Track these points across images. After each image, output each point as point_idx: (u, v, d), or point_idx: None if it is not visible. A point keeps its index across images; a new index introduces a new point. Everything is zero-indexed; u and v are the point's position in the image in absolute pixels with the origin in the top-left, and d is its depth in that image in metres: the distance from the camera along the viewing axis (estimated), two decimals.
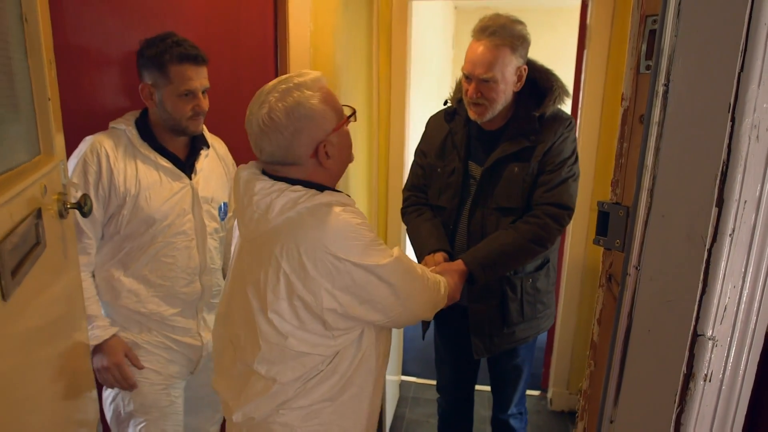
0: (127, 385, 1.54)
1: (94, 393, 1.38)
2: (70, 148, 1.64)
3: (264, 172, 1.16)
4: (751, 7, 0.66)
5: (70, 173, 1.41)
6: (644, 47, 0.86)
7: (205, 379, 1.69)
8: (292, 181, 1.11)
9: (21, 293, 0.88)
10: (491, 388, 1.99)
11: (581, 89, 2.64)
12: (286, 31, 1.95)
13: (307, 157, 1.11)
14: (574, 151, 1.64)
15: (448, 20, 5.74)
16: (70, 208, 1.17)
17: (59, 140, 1.23)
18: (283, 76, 1.14)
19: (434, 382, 3.10)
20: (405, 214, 1.85)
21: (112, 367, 1.50)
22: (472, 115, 1.62)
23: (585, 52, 2.60)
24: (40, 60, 1.11)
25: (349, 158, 1.23)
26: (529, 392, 3.10)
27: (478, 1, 5.25)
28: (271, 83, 1.14)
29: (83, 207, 1.17)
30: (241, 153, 2.00)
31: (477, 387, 2.09)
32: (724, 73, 0.69)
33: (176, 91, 1.50)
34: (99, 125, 1.63)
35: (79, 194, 1.28)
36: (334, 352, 1.15)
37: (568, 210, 1.61)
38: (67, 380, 1.17)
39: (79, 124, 1.71)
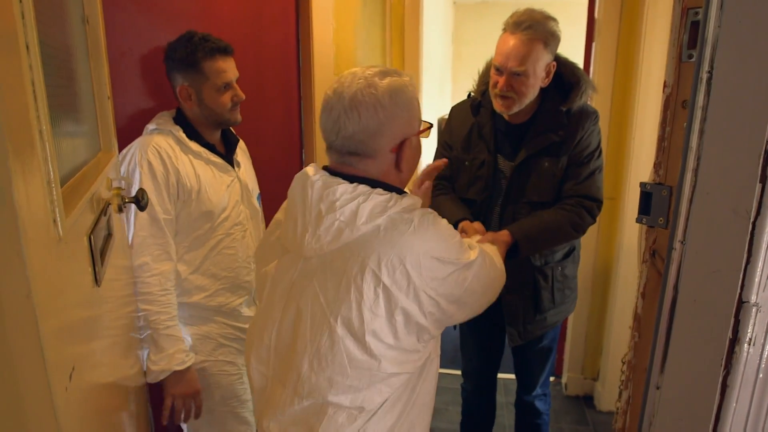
0: (198, 414, 1.54)
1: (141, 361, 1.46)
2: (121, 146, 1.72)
3: (332, 173, 1.03)
4: None
5: (135, 180, 1.44)
6: (686, 38, 0.92)
7: None
8: (371, 182, 1.01)
9: (106, 280, 0.94)
10: (515, 372, 2.05)
11: None
12: (309, 29, 2.01)
13: (388, 150, 1.02)
14: (599, 144, 1.68)
15: (448, 15, 5.81)
16: (128, 202, 1.23)
17: (115, 138, 1.30)
18: (373, 64, 1.06)
19: (452, 372, 3.19)
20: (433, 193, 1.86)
21: (193, 394, 1.51)
22: (498, 107, 1.64)
23: (593, 45, 2.66)
24: (101, 60, 1.17)
25: (415, 169, 1.13)
26: None
27: None
28: (361, 67, 1.05)
29: (141, 201, 1.23)
30: (265, 150, 2.05)
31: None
32: (766, 60, 0.75)
33: (215, 86, 1.53)
34: (132, 126, 1.68)
35: (136, 190, 1.33)
36: (420, 367, 1.08)
37: (597, 202, 1.67)
38: (132, 356, 1.25)
39: (129, 123, 1.77)
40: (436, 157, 1.91)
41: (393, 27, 2.72)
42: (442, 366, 3.28)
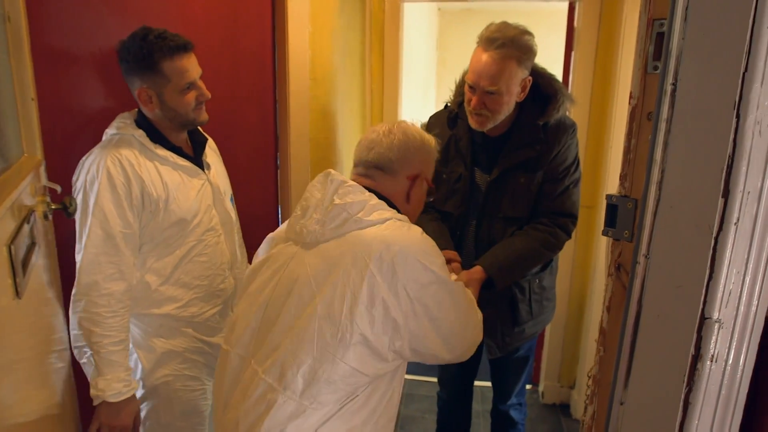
0: None
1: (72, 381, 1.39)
2: (60, 149, 1.64)
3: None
4: (755, 12, 0.71)
5: (94, 191, 1.33)
6: (651, 49, 0.91)
7: None
8: (382, 198, 1.18)
9: (27, 291, 0.90)
10: (492, 381, 2.04)
11: (569, 90, 2.70)
12: (285, 32, 1.98)
13: (405, 176, 1.24)
14: (576, 156, 1.67)
15: (432, 22, 5.81)
16: (55, 209, 1.18)
17: (40, 141, 1.24)
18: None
19: (428, 379, 3.17)
20: None
21: (121, 428, 1.40)
22: (473, 123, 1.62)
23: (573, 54, 2.67)
24: (23, 60, 1.12)
25: (417, 212, 1.33)
26: None
27: (462, 2, 5.32)
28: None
29: (68, 208, 1.17)
30: (239, 153, 2.02)
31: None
32: (730, 72, 0.74)
33: (177, 87, 1.43)
34: (96, 125, 1.63)
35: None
36: (375, 377, 1.11)
37: (572, 217, 1.66)
38: (53, 371, 1.20)
39: (72, 126, 1.72)
40: None
41: (373, 33, 2.70)
42: (419, 373, 3.28)
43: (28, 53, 1.15)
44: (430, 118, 1.89)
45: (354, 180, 1.21)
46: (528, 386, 3.14)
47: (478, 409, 2.90)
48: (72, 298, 1.34)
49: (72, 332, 1.35)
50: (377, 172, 1.22)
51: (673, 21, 0.78)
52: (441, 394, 2.14)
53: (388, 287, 1.06)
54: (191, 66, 1.45)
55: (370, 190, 1.17)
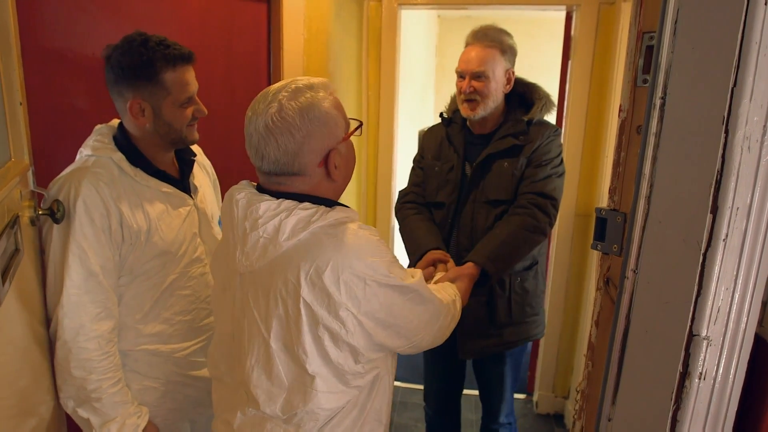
0: None
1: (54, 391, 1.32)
2: (50, 154, 1.63)
3: (262, 190, 1.05)
4: (744, 27, 0.71)
5: (68, 228, 1.20)
6: (641, 62, 0.90)
7: None
8: (299, 197, 1.01)
9: (8, 299, 0.88)
10: (480, 397, 2.02)
11: (566, 99, 2.70)
12: (280, 38, 1.98)
13: (315, 165, 1.02)
14: (560, 154, 1.74)
15: (432, 29, 5.81)
16: (42, 214, 1.14)
17: (29, 146, 1.21)
18: (289, 79, 1.05)
19: (421, 387, 3.14)
20: (401, 209, 1.89)
21: None
22: (464, 111, 1.73)
23: (570, 62, 2.66)
24: (11, 62, 1.10)
25: (351, 173, 1.13)
26: (515, 396, 3.14)
27: (462, 10, 5.33)
28: (277, 84, 1.04)
29: (56, 213, 1.13)
30: (234, 161, 2.01)
31: (465, 391, 2.12)
32: (719, 87, 0.73)
33: (177, 101, 1.28)
34: (87, 130, 1.62)
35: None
36: (369, 385, 1.07)
37: (552, 200, 1.66)
38: (37, 383, 1.18)
39: (65, 131, 1.71)
40: (410, 177, 1.95)
41: (370, 39, 2.70)
42: (412, 381, 3.26)
43: (17, 56, 1.14)
44: (423, 134, 1.97)
45: (262, 186, 1.06)
46: (522, 396, 3.12)
47: (472, 418, 2.88)
48: (56, 345, 1.22)
49: (61, 384, 1.23)
50: (282, 178, 1.02)
51: (662, 34, 0.78)
52: (426, 409, 2.13)
53: (327, 314, 0.97)
54: (191, 79, 1.32)
55: (283, 194, 1.02)
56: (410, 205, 1.87)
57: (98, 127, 1.35)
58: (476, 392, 2.05)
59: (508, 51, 1.71)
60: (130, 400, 1.30)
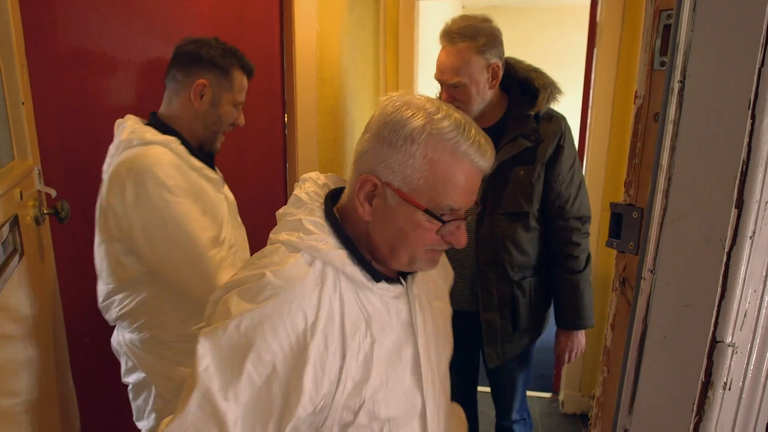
0: None
1: (74, 402, 1.31)
2: (57, 154, 1.63)
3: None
4: None
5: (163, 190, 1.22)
6: (658, 43, 0.83)
7: None
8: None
9: (6, 297, 0.87)
10: (492, 395, 1.98)
11: (591, 88, 2.60)
12: (292, 32, 1.95)
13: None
14: (576, 152, 1.66)
15: None
16: (47, 213, 1.15)
17: (34, 145, 1.21)
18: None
19: None
20: None
21: None
22: None
23: (595, 50, 2.56)
24: (12, 63, 1.10)
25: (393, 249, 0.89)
26: (540, 395, 3.06)
27: (486, 0, 5.22)
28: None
29: (60, 212, 1.14)
30: (246, 155, 1.99)
31: (481, 388, 2.07)
32: (744, 68, 0.66)
33: (233, 100, 1.43)
34: (103, 127, 1.62)
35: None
36: None
37: (588, 217, 1.70)
38: (46, 385, 1.16)
39: (84, 127, 1.71)
40: None
41: (387, 32, 2.64)
42: None
43: (18, 56, 1.13)
44: None
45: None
46: (548, 395, 3.04)
47: (490, 414, 2.81)
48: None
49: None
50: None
51: (680, 11, 0.71)
52: None
53: None
54: (245, 89, 1.48)
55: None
56: None
57: (127, 120, 1.37)
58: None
59: (487, 45, 1.54)
60: None
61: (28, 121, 1.18)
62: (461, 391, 2.00)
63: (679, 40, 0.71)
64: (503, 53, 1.60)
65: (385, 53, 2.66)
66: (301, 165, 2.00)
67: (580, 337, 1.72)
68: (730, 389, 0.75)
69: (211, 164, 1.46)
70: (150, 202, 1.19)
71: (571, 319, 1.68)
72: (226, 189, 1.54)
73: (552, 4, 4.84)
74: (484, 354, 1.72)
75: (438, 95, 1.73)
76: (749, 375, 0.75)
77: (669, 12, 0.80)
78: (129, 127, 1.33)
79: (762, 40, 0.64)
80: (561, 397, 2.97)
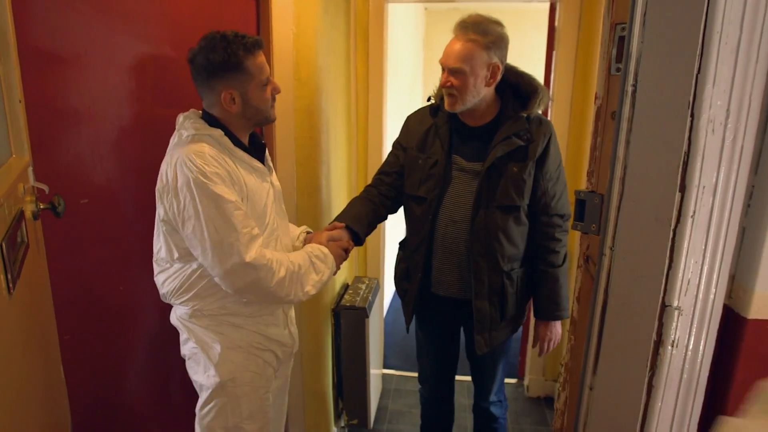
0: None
1: (65, 395, 1.36)
2: (47, 150, 1.65)
3: None
4: (706, 18, 0.76)
5: (189, 199, 1.32)
6: (614, 52, 0.95)
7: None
8: None
9: (19, 289, 0.92)
10: (472, 378, 2.08)
11: (551, 88, 2.76)
12: (270, 33, 2.01)
13: None
14: (560, 152, 1.79)
15: (419, 21, 5.85)
16: (44, 208, 1.19)
17: (28, 142, 1.26)
18: None
19: (414, 374, 3.21)
20: (365, 188, 1.93)
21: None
22: (445, 103, 1.73)
23: (554, 52, 2.72)
24: (9, 63, 1.14)
25: None
26: (506, 380, 3.21)
27: (448, 3, 5.36)
28: None
29: (57, 207, 1.19)
30: None
31: (457, 377, 2.18)
32: (684, 74, 0.79)
33: (259, 83, 1.42)
34: (83, 127, 1.66)
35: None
36: None
37: (570, 215, 1.78)
38: (46, 371, 1.21)
39: (64, 126, 1.74)
40: (388, 158, 1.94)
41: (357, 33, 2.73)
42: (405, 369, 3.33)
43: (15, 55, 1.17)
44: (409, 117, 1.94)
45: None
46: (513, 380, 3.20)
47: (465, 403, 2.94)
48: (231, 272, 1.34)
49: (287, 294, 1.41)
50: None
51: (632, 26, 0.83)
52: (422, 392, 2.18)
53: None
54: (265, 61, 1.46)
55: None
56: (369, 187, 1.90)
57: (187, 114, 1.46)
58: (468, 378, 2.11)
59: (494, 44, 1.64)
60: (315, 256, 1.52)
61: (23, 119, 1.22)
62: (439, 378, 2.11)
63: (631, 50, 0.84)
64: (506, 58, 1.69)
65: (355, 54, 2.74)
66: (279, 162, 2.07)
67: (558, 327, 1.82)
68: (677, 347, 0.88)
69: (259, 154, 1.53)
70: (187, 186, 1.31)
71: (551, 310, 1.77)
72: (274, 178, 1.59)
73: (511, 8, 5.03)
74: (470, 341, 1.83)
75: (440, 89, 1.82)
76: (693, 334, 0.88)
77: (623, 25, 0.93)
78: (184, 120, 1.44)
79: (698, 50, 0.77)
80: (526, 381, 3.12)
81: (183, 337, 1.51)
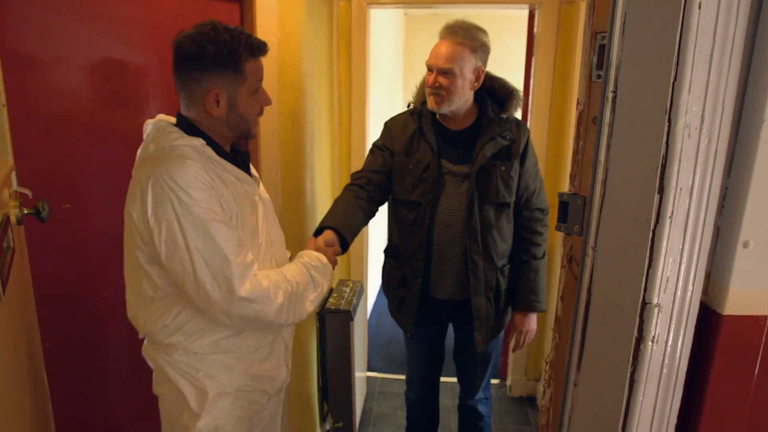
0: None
1: (48, 402, 1.35)
2: (30, 155, 1.64)
3: None
4: (681, 27, 0.80)
5: (193, 199, 1.14)
6: (595, 59, 0.99)
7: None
8: None
9: (9, 293, 0.92)
10: (458, 377, 2.11)
11: (531, 93, 2.81)
12: None
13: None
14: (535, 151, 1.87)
15: (399, 27, 5.90)
16: (28, 213, 1.17)
17: (10, 147, 1.24)
18: None
19: (398, 377, 3.23)
20: (347, 186, 1.86)
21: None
22: (430, 104, 1.76)
23: (533, 58, 2.77)
24: None
25: None
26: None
27: (428, 9, 5.42)
28: None
29: (41, 212, 1.16)
30: None
31: (442, 379, 2.20)
32: (662, 81, 0.82)
33: (251, 88, 1.25)
34: (65, 131, 1.64)
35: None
36: None
37: (549, 209, 1.91)
38: (32, 378, 1.20)
39: (45, 130, 1.72)
40: (367, 161, 1.91)
41: (340, 38, 2.75)
42: (388, 372, 3.35)
43: None
44: (387, 123, 1.95)
45: None
46: (496, 381, 3.24)
47: (449, 404, 2.97)
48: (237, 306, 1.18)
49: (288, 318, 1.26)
50: None
51: (612, 35, 0.87)
52: (409, 395, 2.21)
53: None
54: (262, 68, 1.29)
55: None
56: (355, 187, 1.82)
57: (156, 121, 1.29)
58: (453, 379, 2.15)
59: (480, 49, 1.70)
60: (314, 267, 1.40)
61: (6, 124, 1.21)
62: (427, 380, 2.14)
63: (612, 58, 0.88)
64: (486, 64, 1.77)
65: (338, 59, 2.76)
66: (263, 166, 2.07)
67: (534, 321, 1.89)
68: (657, 342, 0.92)
69: (244, 164, 1.36)
70: (168, 211, 1.13)
71: (530, 301, 1.84)
72: (262, 189, 1.43)
73: (491, 14, 5.10)
74: (464, 340, 1.88)
75: (418, 94, 1.89)
76: (672, 330, 0.92)
77: (603, 34, 0.96)
78: (154, 129, 1.25)
79: (674, 59, 0.81)
80: (508, 382, 3.17)
81: (159, 376, 1.33)
